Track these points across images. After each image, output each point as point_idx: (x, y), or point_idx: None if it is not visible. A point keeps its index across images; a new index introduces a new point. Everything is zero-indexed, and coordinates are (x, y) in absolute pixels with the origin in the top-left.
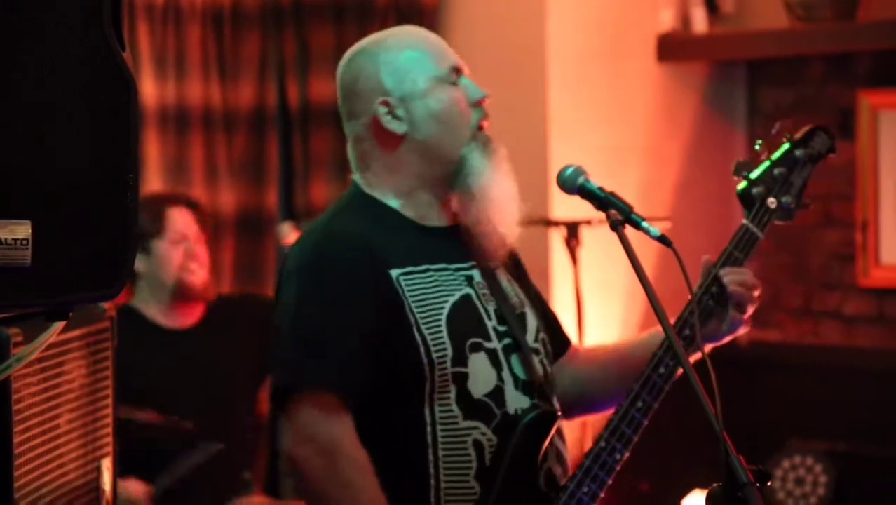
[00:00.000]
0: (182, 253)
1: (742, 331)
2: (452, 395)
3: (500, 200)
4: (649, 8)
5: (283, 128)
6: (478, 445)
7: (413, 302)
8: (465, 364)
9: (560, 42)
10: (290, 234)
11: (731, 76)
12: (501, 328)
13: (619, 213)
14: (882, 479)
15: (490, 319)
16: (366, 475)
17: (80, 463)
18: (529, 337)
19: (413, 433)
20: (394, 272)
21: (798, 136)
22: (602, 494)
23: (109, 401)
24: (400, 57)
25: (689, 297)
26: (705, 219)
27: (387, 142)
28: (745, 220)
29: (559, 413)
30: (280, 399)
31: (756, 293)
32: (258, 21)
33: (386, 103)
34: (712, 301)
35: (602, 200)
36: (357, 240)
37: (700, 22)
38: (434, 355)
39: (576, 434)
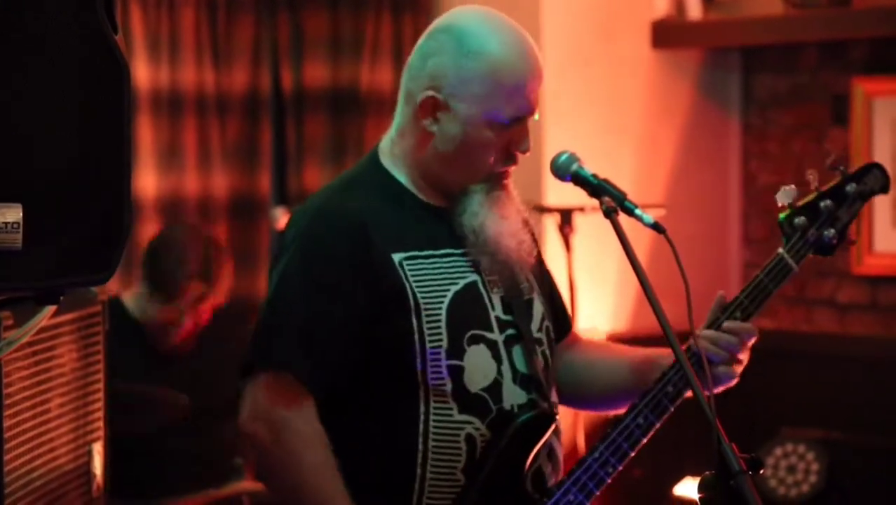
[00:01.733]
0: (169, 319)
1: (731, 383)
2: (448, 388)
3: (496, 238)
4: None
5: (277, 113)
6: (470, 439)
7: (416, 287)
8: (461, 357)
9: (554, 27)
10: (282, 219)
11: (726, 63)
12: (505, 317)
13: (612, 200)
14: (874, 467)
15: (494, 308)
16: (312, 449)
17: (71, 447)
18: (534, 325)
19: (405, 421)
20: (397, 256)
21: (853, 170)
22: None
23: (101, 385)
24: (477, 69)
25: (683, 284)
26: (699, 206)
27: (419, 127)
28: (780, 250)
29: (557, 414)
30: (244, 373)
31: (743, 356)
32: (252, 5)
33: (433, 100)
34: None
35: (596, 187)
36: (355, 222)
37: (694, 8)
38: (428, 346)
39: (568, 420)
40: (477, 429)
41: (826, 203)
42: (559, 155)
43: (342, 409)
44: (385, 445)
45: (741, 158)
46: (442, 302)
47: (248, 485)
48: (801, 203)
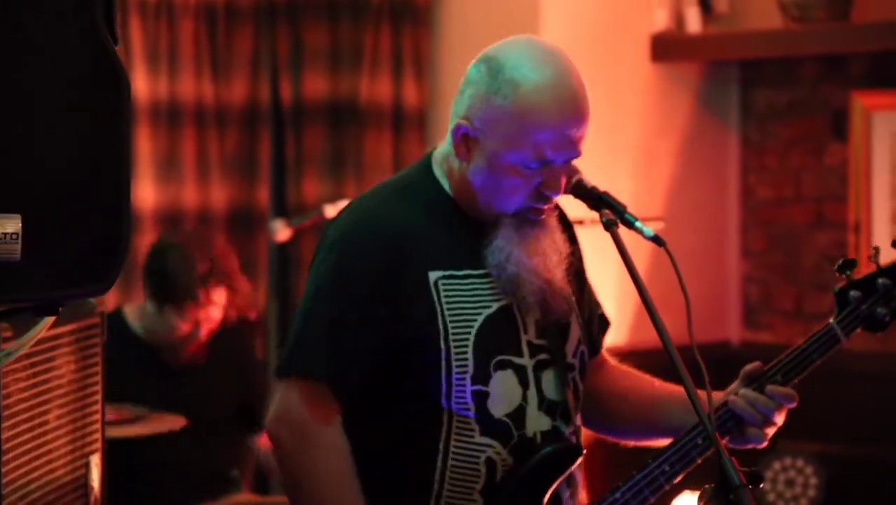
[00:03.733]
0: (187, 331)
1: (760, 445)
2: (472, 413)
3: (516, 276)
4: (643, 7)
5: (276, 124)
6: (490, 462)
7: (448, 309)
8: (486, 383)
9: (553, 41)
10: (281, 231)
11: (725, 76)
12: (538, 342)
13: (612, 213)
14: (873, 481)
15: (527, 332)
16: (335, 460)
17: (69, 459)
18: (569, 350)
19: (426, 438)
20: (433, 274)
21: None
22: None
23: (99, 397)
24: (506, 108)
25: (683, 297)
26: (698, 219)
27: (457, 154)
28: (831, 320)
29: (582, 448)
30: (277, 374)
31: (778, 420)
32: (251, 17)
33: (465, 130)
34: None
35: (596, 200)
36: (396, 234)
37: (694, 22)
38: (454, 371)
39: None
40: (498, 453)
41: (884, 280)
42: None
43: (364, 423)
44: (404, 461)
45: (740, 172)
46: (472, 326)
47: (245, 497)
48: (859, 277)
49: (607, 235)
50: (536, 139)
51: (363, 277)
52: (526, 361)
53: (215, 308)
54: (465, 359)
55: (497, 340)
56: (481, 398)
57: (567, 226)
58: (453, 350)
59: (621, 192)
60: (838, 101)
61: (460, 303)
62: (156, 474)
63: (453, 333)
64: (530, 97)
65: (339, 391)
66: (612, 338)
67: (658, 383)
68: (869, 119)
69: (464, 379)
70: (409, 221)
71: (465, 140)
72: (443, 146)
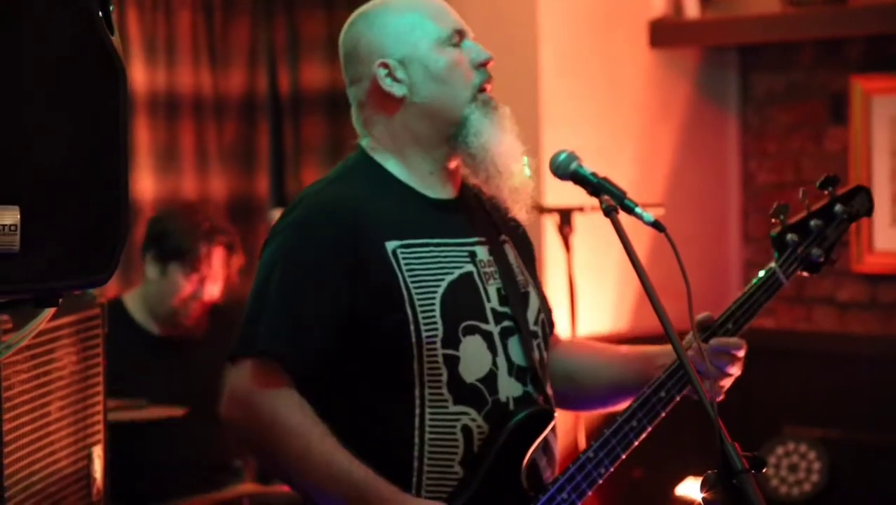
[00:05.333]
0: (190, 291)
1: (717, 399)
2: (444, 378)
3: (503, 158)
4: None
5: (274, 115)
6: (467, 430)
7: (409, 277)
8: (456, 347)
9: (552, 28)
10: None
11: (724, 62)
12: (502, 309)
13: (612, 199)
14: (875, 465)
15: (489, 300)
16: (297, 416)
17: (71, 451)
18: (531, 318)
19: (400, 415)
20: (390, 244)
21: (841, 191)
22: (580, 504)
23: (100, 388)
24: (400, 20)
25: (683, 283)
26: (698, 205)
27: (387, 105)
28: (772, 264)
29: (554, 412)
30: (228, 363)
31: (732, 371)
32: (249, 7)
33: (385, 65)
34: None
35: (595, 186)
36: (346, 211)
37: (692, 7)
38: (424, 335)
39: (569, 418)
40: (473, 420)
41: (816, 222)
42: (558, 154)
43: (337, 402)
44: (381, 438)
45: (740, 157)
46: (436, 291)
47: (248, 487)
48: (792, 220)
49: (607, 223)
50: (434, 17)
51: (316, 251)
52: (492, 327)
53: (218, 266)
54: (434, 323)
55: (463, 305)
56: (452, 362)
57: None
58: (420, 315)
59: (621, 178)
60: (837, 86)
61: (421, 269)
62: (158, 465)
63: (418, 299)
64: (399, 3)
65: (291, 366)
66: (614, 324)
67: (611, 347)
68: (868, 103)
69: (434, 342)
70: (359, 199)
71: (390, 74)
72: (363, 137)
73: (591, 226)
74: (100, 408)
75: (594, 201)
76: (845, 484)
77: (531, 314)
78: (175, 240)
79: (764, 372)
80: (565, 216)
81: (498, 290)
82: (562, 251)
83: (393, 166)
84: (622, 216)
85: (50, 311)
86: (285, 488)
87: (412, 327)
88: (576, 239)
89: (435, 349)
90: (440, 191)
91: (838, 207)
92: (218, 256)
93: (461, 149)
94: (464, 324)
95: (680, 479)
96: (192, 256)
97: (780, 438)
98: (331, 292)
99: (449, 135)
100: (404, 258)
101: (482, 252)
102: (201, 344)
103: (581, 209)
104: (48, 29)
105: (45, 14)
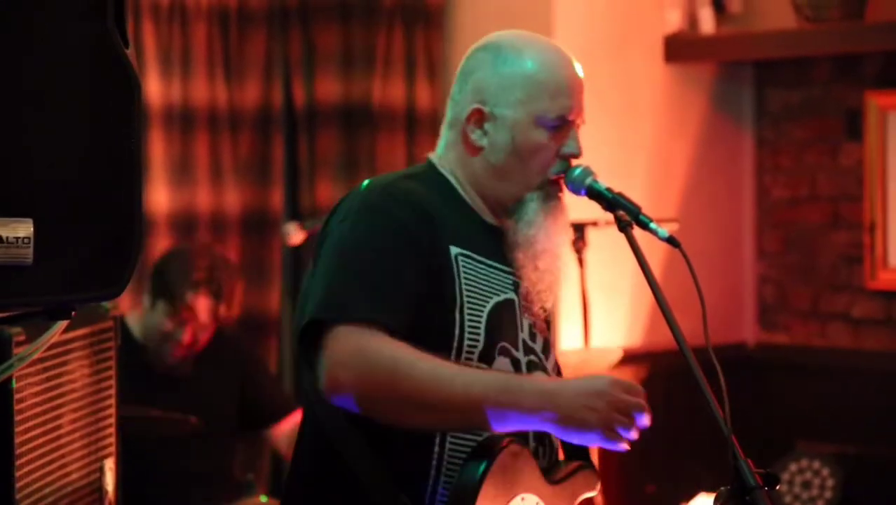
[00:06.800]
0: (170, 329)
1: None
2: None
3: (545, 254)
4: (656, 8)
5: (289, 128)
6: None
7: (465, 285)
8: (490, 363)
9: (567, 42)
10: (295, 234)
11: (739, 77)
12: (530, 344)
13: (627, 214)
14: (890, 482)
15: (523, 330)
16: (400, 350)
17: (83, 463)
18: (549, 366)
19: None
20: (454, 249)
21: None
22: None
23: (112, 401)
24: (517, 73)
25: (697, 298)
26: (712, 220)
27: (468, 144)
28: None
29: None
30: (305, 339)
31: None
32: (264, 21)
33: (480, 112)
34: None
35: (610, 201)
36: (421, 204)
37: (707, 22)
38: (466, 343)
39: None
40: None
41: None
42: (573, 169)
43: None
44: (401, 440)
45: (754, 172)
46: (484, 306)
47: (260, 500)
48: None
49: (622, 237)
50: (551, 94)
51: (396, 231)
52: (521, 356)
53: (199, 313)
54: (477, 335)
55: (503, 327)
56: None
57: None
58: (467, 324)
59: (635, 193)
60: (853, 101)
61: (475, 282)
62: (170, 478)
63: (468, 307)
64: (538, 60)
65: (392, 325)
66: (628, 339)
67: None
68: (884, 119)
69: (472, 353)
70: (429, 199)
71: (479, 122)
72: (439, 151)
73: (605, 241)
74: (112, 421)
75: (608, 216)
76: (859, 501)
77: (550, 362)
78: (164, 280)
79: (778, 388)
80: (579, 231)
81: (530, 325)
82: (575, 266)
83: (457, 185)
84: (637, 231)
85: (63, 323)
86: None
87: (457, 332)
88: (589, 254)
89: (471, 360)
90: (493, 219)
91: None
92: (202, 305)
93: (512, 225)
94: (500, 344)
95: (693, 495)
96: (175, 299)
97: (794, 455)
98: (415, 270)
99: (507, 207)
100: (463, 266)
101: (522, 286)
102: (198, 366)
103: (595, 224)
104: (63, 41)
105: (60, 26)
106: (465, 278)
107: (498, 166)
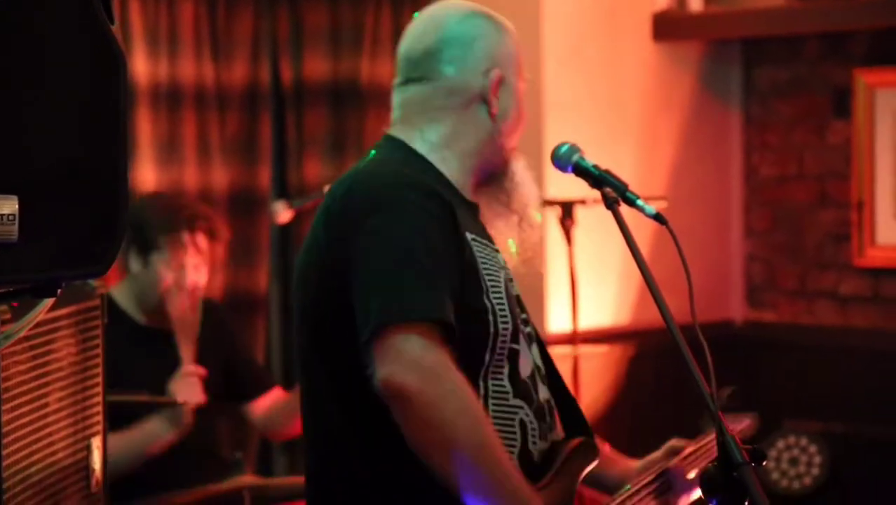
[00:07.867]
0: (173, 279)
1: None
2: (506, 371)
3: (532, 210)
4: None
5: (277, 106)
6: (522, 425)
7: (483, 268)
8: (517, 341)
9: (556, 21)
10: (283, 213)
11: (727, 55)
12: (523, 315)
13: (614, 191)
14: (876, 459)
15: (518, 305)
16: (474, 400)
17: (70, 442)
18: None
19: None
20: (468, 235)
21: None
22: None
23: (99, 379)
24: (511, 41)
25: (685, 276)
26: (700, 198)
27: (470, 113)
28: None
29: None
30: (377, 331)
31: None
32: None
33: (501, 78)
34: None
35: (597, 178)
36: (442, 196)
37: (695, 0)
38: (500, 326)
39: None
40: (527, 415)
41: None
42: (560, 146)
43: None
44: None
45: (742, 150)
46: (500, 287)
47: (248, 479)
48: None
49: (609, 216)
50: (517, 56)
51: (441, 225)
52: (524, 328)
53: (199, 253)
54: (506, 316)
55: (515, 304)
56: (514, 357)
57: None
58: (497, 307)
59: (623, 171)
60: (841, 79)
61: (488, 264)
62: (157, 456)
63: (493, 291)
64: (511, 29)
65: (448, 331)
66: (616, 318)
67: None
68: (872, 96)
69: (506, 334)
70: (440, 189)
71: (498, 87)
72: (427, 140)
73: (593, 218)
74: (99, 399)
75: (596, 194)
76: (846, 478)
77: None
78: (152, 228)
79: (765, 365)
80: (567, 209)
81: (517, 296)
82: (563, 244)
83: (446, 172)
84: (624, 209)
85: (48, 301)
86: (285, 481)
87: (491, 317)
88: (577, 232)
89: (505, 341)
90: (469, 195)
91: None
92: (200, 242)
93: (497, 186)
94: (518, 320)
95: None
96: (170, 242)
97: (781, 432)
98: (457, 262)
99: (492, 172)
100: (477, 251)
101: (503, 259)
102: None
103: (583, 202)
104: (47, 18)
105: (45, 4)
106: (483, 262)
107: (504, 131)
